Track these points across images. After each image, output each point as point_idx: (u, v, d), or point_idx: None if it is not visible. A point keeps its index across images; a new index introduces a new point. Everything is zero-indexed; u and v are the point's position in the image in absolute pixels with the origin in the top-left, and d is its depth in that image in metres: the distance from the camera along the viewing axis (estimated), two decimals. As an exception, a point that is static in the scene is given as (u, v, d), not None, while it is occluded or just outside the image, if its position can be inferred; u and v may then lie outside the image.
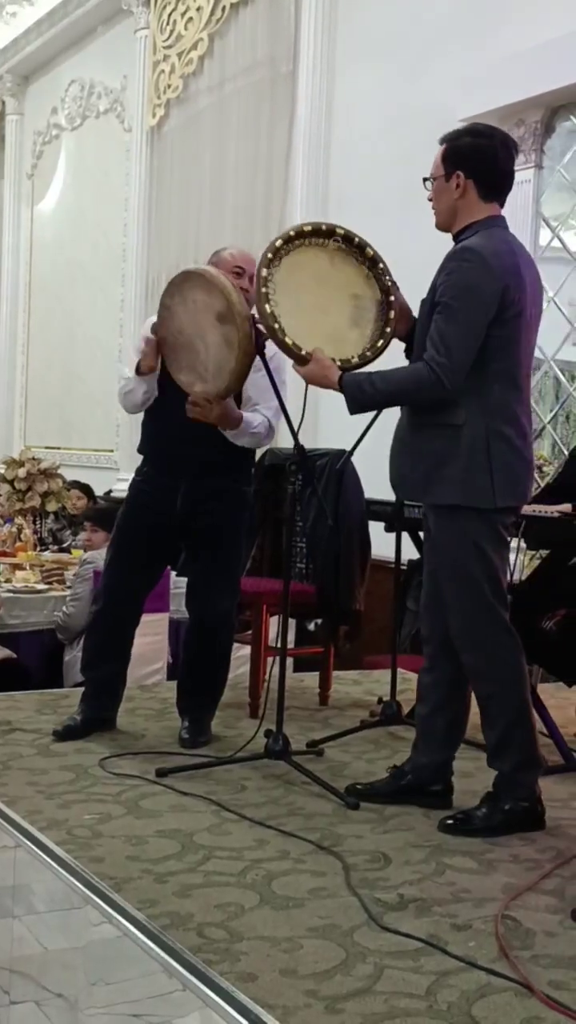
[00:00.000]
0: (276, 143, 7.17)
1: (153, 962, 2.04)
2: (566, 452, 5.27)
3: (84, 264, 10.11)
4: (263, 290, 3.01)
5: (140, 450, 3.72)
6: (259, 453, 4.04)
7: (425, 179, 2.97)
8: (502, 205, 2.96)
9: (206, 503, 3.51)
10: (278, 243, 3.07)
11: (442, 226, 2.98)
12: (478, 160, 2.89)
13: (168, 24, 8.43)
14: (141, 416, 3.71)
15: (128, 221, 9.11)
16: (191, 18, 8.13)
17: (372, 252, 3.13)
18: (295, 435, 3.25)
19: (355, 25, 6.64)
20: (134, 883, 2.40)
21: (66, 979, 1.98)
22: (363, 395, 2.90)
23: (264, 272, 3.03)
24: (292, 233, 3.10)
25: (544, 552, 3.91)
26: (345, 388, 2.90)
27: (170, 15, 8.41)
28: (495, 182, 2.92)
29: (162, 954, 2.06)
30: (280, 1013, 1.87)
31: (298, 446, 3.26)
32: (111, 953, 2.10)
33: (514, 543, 3.37)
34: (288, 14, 7.02)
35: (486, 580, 2.86)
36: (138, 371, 3.49)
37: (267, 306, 2.99)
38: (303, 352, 2.98)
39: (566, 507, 3.67)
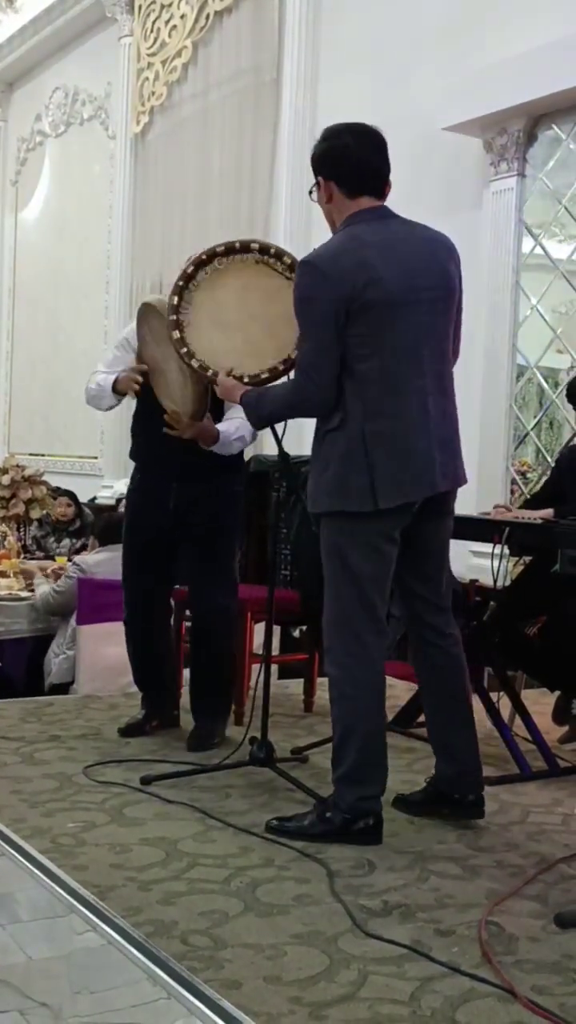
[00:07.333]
0: (260, 150, 7.19)
1: (137, 970, 2.04)
2: (549, 459, 5.29)
3: (68, 271, 10.11)
4: (172, 317, 3.11)
5: (132, 456, 3.80)
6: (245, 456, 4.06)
7: (310, 192, 2.94)
8: (379, 195, 2.84)
9: (199, 503, 3.56)
10: (189, 269, 3.13)
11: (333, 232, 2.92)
12: (331, 160, 2.83)
13: (152, 32, 8.45)
14: (129, 422, 3.79)
15: (112, 228, 9.12)
16: (175, 26, 8.16)
17: (290, 259, 3.10)
18: (279, 442, 3.26)
19: (339, 34, 6.67)
20: (118, 891, 2.39)
21: (50, 988, 1.97)
22: (258, 411, 2.94)
23: (175, 300, 3.11)
24: (204, 256, 3.14)
25: (527, 559, 3.93)
26: (245, 406, 2.97)
27: (154, 23, 8.42)
28: (354, 175, 2.81)
29: (146, 962, 2.06)
30: (264, 1020, 1.87)
31: (282, 453, 3.26)
32: (95, 962, 2.10)
33: (497, 549, 3.38)
34: (272, 23, 7.06)
35: (349, 586, 2.78)
36: (115, 388, 3.60)
37: (175, 332, 3.10)
38: (209, 373, 3.08)
39: (548, 512, 3.70)
